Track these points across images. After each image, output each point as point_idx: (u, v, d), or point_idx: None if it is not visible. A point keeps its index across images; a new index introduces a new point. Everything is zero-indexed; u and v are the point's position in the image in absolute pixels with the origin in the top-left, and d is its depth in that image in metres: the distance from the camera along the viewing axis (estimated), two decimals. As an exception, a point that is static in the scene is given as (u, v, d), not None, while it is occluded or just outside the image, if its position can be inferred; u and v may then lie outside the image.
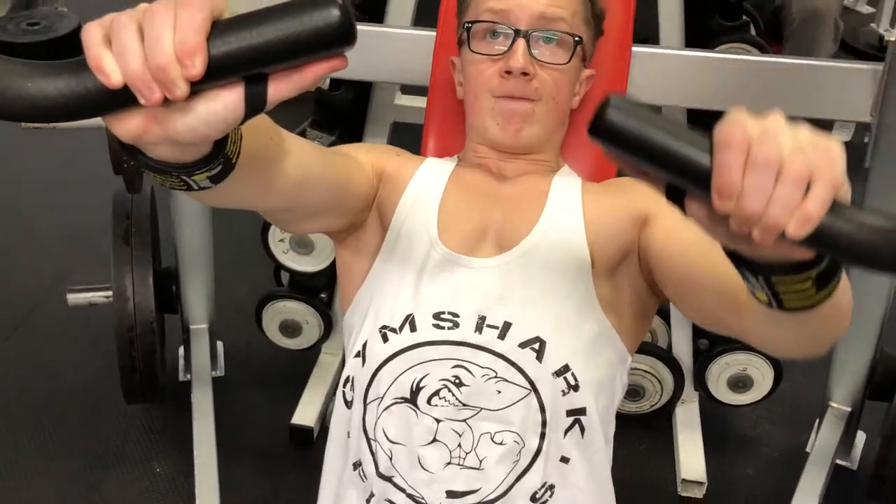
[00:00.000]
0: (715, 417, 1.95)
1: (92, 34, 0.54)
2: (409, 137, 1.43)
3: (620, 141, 0.58)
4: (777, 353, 0.96)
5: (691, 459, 1.84)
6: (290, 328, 1.94)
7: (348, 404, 1.04)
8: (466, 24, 1.11)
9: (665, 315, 1.86)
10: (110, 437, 1.93)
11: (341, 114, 1.74)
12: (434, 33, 1.37)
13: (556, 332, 1.00)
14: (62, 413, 1.98)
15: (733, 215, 0.55)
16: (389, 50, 1.44)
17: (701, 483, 1.80)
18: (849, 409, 1.74)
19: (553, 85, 1.10)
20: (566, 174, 1.16)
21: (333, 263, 1.82)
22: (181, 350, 2.01)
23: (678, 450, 1.87)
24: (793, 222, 0.54)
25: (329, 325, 1.94)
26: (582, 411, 0.99)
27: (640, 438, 1.94)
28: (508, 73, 1.07)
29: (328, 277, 1.91)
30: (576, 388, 0.99)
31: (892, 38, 1.27)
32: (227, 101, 0.56)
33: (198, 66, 0.52)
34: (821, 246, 0.58)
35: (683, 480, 1.81)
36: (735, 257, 0.63)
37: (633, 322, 1.08)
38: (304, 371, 2.03)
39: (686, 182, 0.59)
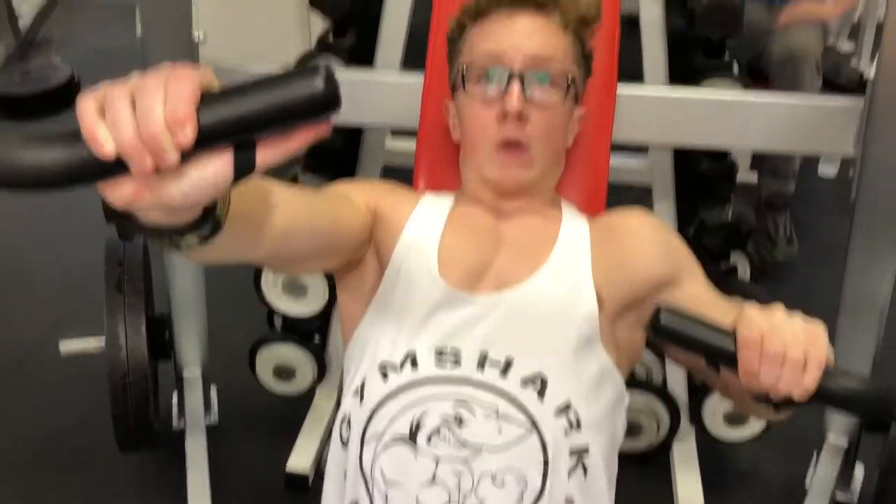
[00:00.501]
0: (712, 453, 1.93)
1: (86, 105, 0.56)
2: (400, 180, 1.44)
3: (672, 338, 0.85)
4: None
5: (690, 497, 1.82)
6: (284, 372, 1.94)
7: (344, 443, 1.03)
8: (461, 68, 1.13)
9: (660, 352, 1.86)
10: (104, 485, 1.90)
11: (333, 158, 1.75)
12: (422, 77, 1.40)
13: (557, 370, 1.00)
14: (56, 461, 1.96)
15: (755, 388, 0.83)
16: (379, 94, 1.46)
17: (700, 521, 1.79)
18: (846, 443, 1.74)
19: (548, 127, 1.11)
20: (571, 216, 1.17)
21: (327, 306, 1.82)
22: (175, 397, 2.00)
23: (676, 488, 1.85)
24: (796, 392, 0.81)
25: (323, 369, 1.94)
26: (585, 450, 0.99)
27: (638, 476, 1.92)
28: (505, 116, 1.08)
29: (322, 320, 1.91)
30: (578, 426, 0.99)
31: (871, 75, 1.30)
32: (216, 167, 0.58)
33: (188, 135, 0.55)
34: (814, 400, 0.83)
35: (682, 518, 1.80)
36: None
37: (627, 357, 1.09)
38: (298, 415, 2.01)
39: (719, 363, 0.86)
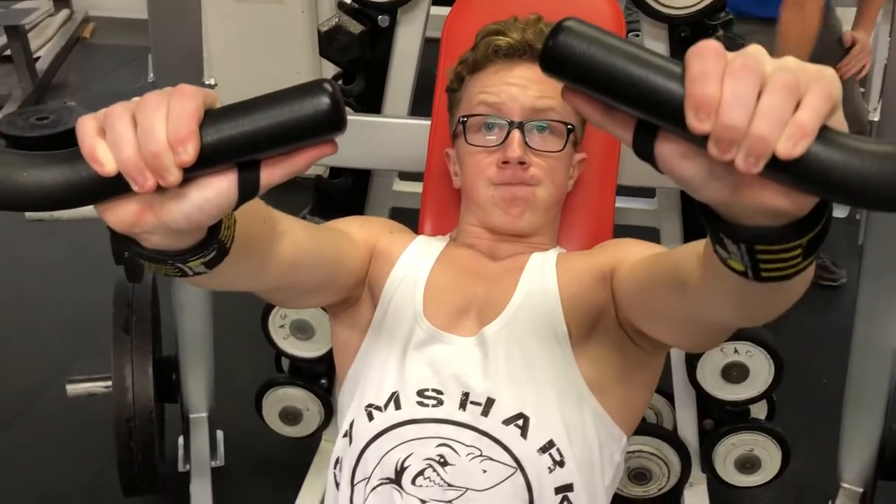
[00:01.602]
0: (724, 500, 1.90)
1: (86, 125, 0.55)
2: (408, 222, 1.45)
3: (577, 71, 0.51)
4: (717, 327, 0.87)
5: (702, 544, 1.79)
6: (291, 415, 1.92)
7: (337, 486, 1.04)
8: (462, 119, 1.14)
9: (669, 396, 1.84)
10: (107, 531, 1.90)
11: (341, 200, 1.76)
12: (429, 122, 1.41)
13: (539, 408, 0.99)
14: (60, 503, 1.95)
15: (713, 136, 0.48)
16: (387, 139, 1.47)
17: (713, 570, 1.76)
18: (861, 490, 1.70)
19: (548, 172, 1.11)
20: (551, 250, 1.16)
21: (334, 349, 1.81)
22: (181, 440, 1.99)
23: (688, 535, 1.83)
24: (783, 137, 0.47)
25: (330, 412, 1.92)
26: (569, 487, 0.98)
27: (649, 525, 1.89)
28: (506, 163, 1.09)
29: (329, 363, 1.90)
30: (561, 463, 0.98)
31: (878, 118, 1.30)
32: (219, 187, 0.57)
33: (190, 153, 0.53)
34: (813, 179, 0.49)
35: (695, 567, 1.77)
36: (714, 222, 0.57)
37: (623, 397, 1.06)
38: (305, 459, 2.00)
39: (654, 113, 0.51)
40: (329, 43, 1.61)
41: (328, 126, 0.56)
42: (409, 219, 1.56)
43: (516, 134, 1.08)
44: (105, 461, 1.88)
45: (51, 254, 2.86)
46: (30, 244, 2.85)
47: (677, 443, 1.81)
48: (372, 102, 1.64)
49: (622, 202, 1.31)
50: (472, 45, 1.18)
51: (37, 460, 2.08)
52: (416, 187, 1.76)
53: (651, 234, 1.72)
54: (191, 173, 0.56)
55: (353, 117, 1.66)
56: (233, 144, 0.56)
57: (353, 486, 1.00)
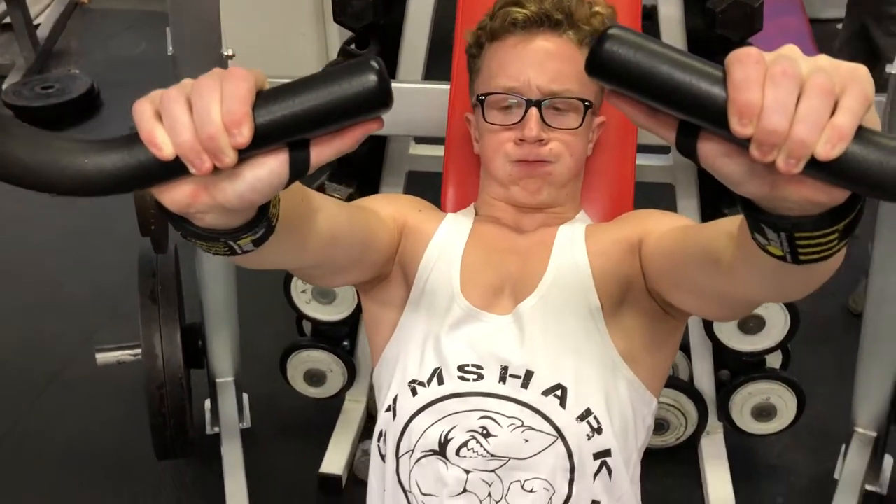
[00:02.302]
0: (741, 447, 1.96)
1: (143, 109, 0.56)
2: (424, 185, 1.47)
3: (621, 76, 0.54)
4: (749, 303, 0.92)
5: (720, 491, 1.85)
6: (315, 377, 1.97)
7: (383, 458, 1.08)
8: (480, 98, 1.14)
9: (686, 348, 1.87)
10: (141, 492, 1.96)
11: (358, 166, 1.78)
12: (445, 87, 1.42)
13: (576, 378, 1.03)
14: (93, 470, 2.01)
15: (755, 139, 0.50)
16: (404, 104, 1.47)
17: (731, 515, 1.81)
18: (874, 434, 1.75)
19: (567, 147, 1.13)
20: (576, 220, 1.18)
21: (355, 312, 1.85)
22: (207, 403, 2.03)
23: (706, 482, 1.88)
24: (822, 140, 0.49)
25: (353, 373, 1.97)
26: (607, 453, 1.02)
27: (668, 472, 1.94)
28: (523, 140, 1.10)
29: (350, 326, 1.94)
30: (599, 430, 1.01)
31: (893, 72, 1.31)
32: (272, 166, 0.58)
33: (245, 135, 0.55)
34: (850, 177, 0.52)
35: (714, 513, 1.82)
36: (754, 213, 0.59)
37: (653, 363, 1.10)
38: (329, 418, 2.06)
39: (698, 115, 0.53)
40: (343, 9, 1.61)
41: (376, 103, 0.57)
42: (425, 182, 1.58)
43: (534, 112, 1.09)
44: (134, 426, 1.93)
45: (72, 224, 2.88)
46: (52, 215, 2.87)
47: (694, 393, 1.85)
48: (386, 67, 1.65)
49: (638, 159, 1.31)
50: (489, 5, 1.18)
51: (69, 427, 2.13)
52: (433, 150, 1.78)
53: (667, 189, 1.74)
54: (244, 154, 0.57)
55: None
56: (284, 125, 0.57)
57: (398, 458, 1.04)
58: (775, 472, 1.97)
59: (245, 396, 2.07)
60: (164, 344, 1.71)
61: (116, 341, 1.85)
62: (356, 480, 1.95)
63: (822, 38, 3.06)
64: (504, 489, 0.99)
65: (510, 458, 0.99)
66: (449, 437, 1.01)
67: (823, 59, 0.52)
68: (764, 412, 1.82)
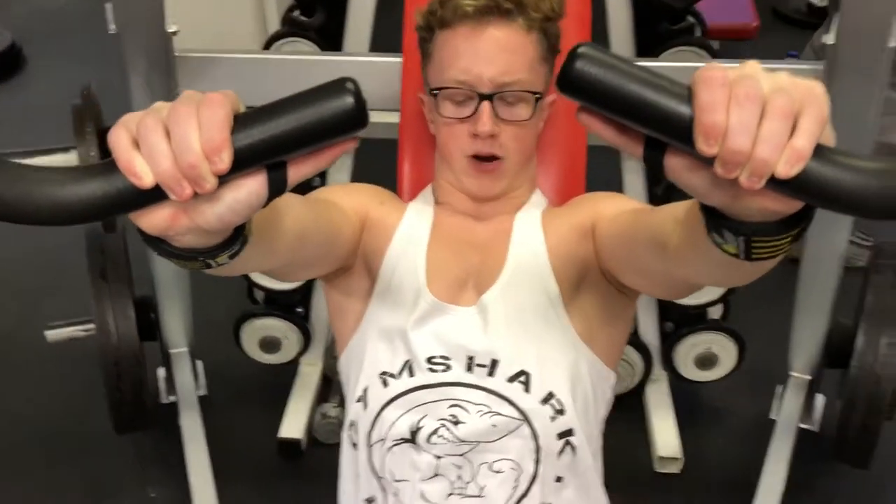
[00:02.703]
0: (684, 392, 2.04)
1: (119, 138, 0.56)
2: (378, 153, 1.47)
3: (592, 94, 0.56)
4: (696, 285, 0.96)
5: (665, 437, 1.94)
6: (270, 344, 1.97)
7: (354, 446, 1.12)
8: (433, 92, 1.16)
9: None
10: (101, 467, 1.95)
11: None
12: (395, 59, 1.41)
13: (539, 363, 1.07)
14: (52, 447, 1.99)
15: (720, 159, 0.54)
16: (355, 77, 1.47)
17: (676, 459, 1.90)
18: (809, 378, 1.85)
19: (519, 138, 1.15)
20: (532, 205, 1.21)
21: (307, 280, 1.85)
22: (161, 372, 2.02)
23: (652, 428, 1.97)
24: (783, 160, 0.53)
25: (308, 338, 1.98)
26: (570, 432, 1.07)
27: (615, 419, 1.99)
28: (477, 135, 1.12)
29: (303, 293, 1.95)
30: (562, 411, 1.06)
31: (829, 42, 1.35)
32: (251, 188, 0.59)
33: (225, 161, 0.55)
34: (808, 191, 0.56)
35: (660, 458, 1.91)
36: (714, 218, 0.62)
37: (611, 340, 1.15)
38: (284, 382, 2.07)
39: (666, 133, 0.56)
40: (286, -24, 1.58)
41: (353, 124, 0.58)
42: (378, 149, 1.58)
43: (486, 106, 1.11)
44: (87, 402, 1.93)
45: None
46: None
47: (640, 345, 1.93)
48: (333, 35, 1.64)
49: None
50: None
51: (20, 405, 2.11)
52: (385, 117, 1.77)
53: (615, 153, 1.78)
54: (224, 177, 0.58)
55: (318, 57, 1.65)
56: (263, 148, 0.58)
57: (370, 446, 1.08)
58: (717, 415, 2.07)
59: (199, 364, 2.07)
60: (118, 321, 1.70)
61: (59, 317, 1.82)
62: (316, 443, 1.98)
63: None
64: (473, 471, 1.04)
65: (479, 443, 1.04)
66: (420, 425, 1.05)
67: (783, 78, 0.55)
68: (706, 361, 1.90)
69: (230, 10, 2.91)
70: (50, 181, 0.59)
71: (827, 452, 1.79)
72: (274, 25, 2.84)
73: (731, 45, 2.97)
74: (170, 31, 1.41)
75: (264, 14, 2.91)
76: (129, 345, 1.72)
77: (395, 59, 1.44)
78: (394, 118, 1.41)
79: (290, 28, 1.68)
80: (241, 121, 0.57)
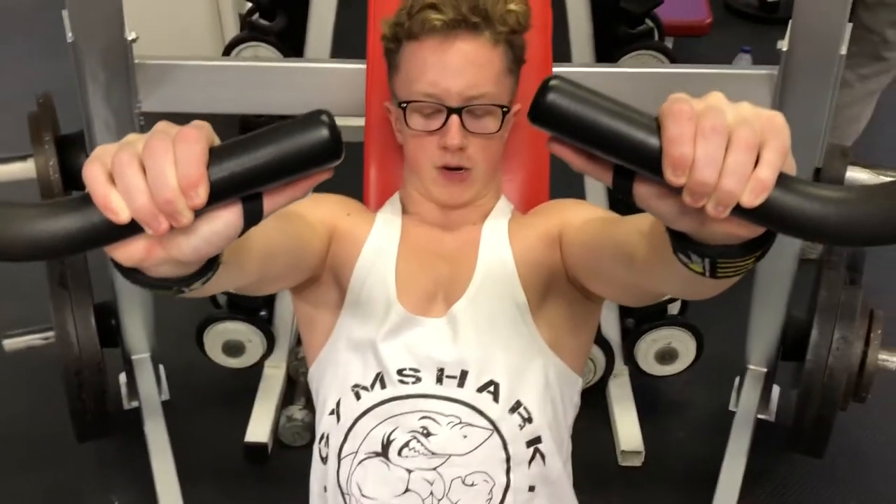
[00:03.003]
0: (645, 387, 2.08)
1: (95, 173, 0.56)
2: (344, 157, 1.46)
3: (564, 125, 0.58)
4: (660, 295, 1.00)
5: (628, 431, 1.98)
6: (234, 348, 1.96)
7: (324, 460, 1.11)
8: (402, 105, 1.16)
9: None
10: (63, 475, 1.93)
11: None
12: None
13: (507, 373, 1.09)
14: (13, 457, 1.96)
15: (687, 189, 0.56)
16: (318, 85, 1.47)
17: (639, 452, 1.94)
18: (765, 370, 1.90)
19: (486, 150, 1.17)
20: (498, 212, 1.23)
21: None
22: (122, 377, 2.00)
23: (615, 423, 2.01)
24: (747, 191, 0.55)
25: (272, 341, 1.97)
26: (538, 440, 1.08)
27: (579, 414, 2.03)
28: (446, 148, 1.13)
29: (266, 296, 1.94)
30: (530, 419, 1.08)
31: (783, 49, 1.38)
32: (227, 220, 0.59)
33: (201, 196, 0.56)
34: (771, 220, 0.58)
35: (623, 451, 1.95)
36: (681, 241, 0.64)
37: (577, 346, 1.17)
38: (248, 385, 2.06)
39: (635, 163, 0.58)
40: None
41: (328, 156, 0.59)
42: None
43: (455, 120, 1.12)
44: (47, 410, 1.90)
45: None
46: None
47: (602, 342, 1.96)
48: (294, 40, 1.63)
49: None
50: None
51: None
52: (349, 121, 1.77)
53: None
54: (199, 211, 0.58)
55: (280, 64, 1.64)
56: (239, 181, 0.58)
57: (339, 459, 1.08)
58: (677, 408, 2.12)
59: (161, 368, 2.05)
60: (79, 329, 1.68)
61: (17, 326, 1.79)
62: (282, 445, 1.98)
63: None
64: (446, 487, 1.04)
65: (450, 455, 1.05)
66: (391, 438, 1.06)
67: (746, 108, 0.57)
68: (667, 356, 1.94)
69: (185, 12, 2.85)
70: (22, 217, 0.59)
71: (783, 441, 1.83)
72: (231, 28, 2.80)
73: (686, 41, 3.01)
74: (129, 38, 1.39)
75: (220, 17, 2.86)
76: (90, 354, 1.70)
77: (359, 66, 1.44)
78: (359, 122, 1.41)
79: (251, 32, 1.66)
80: (217, 154, 0.58)
